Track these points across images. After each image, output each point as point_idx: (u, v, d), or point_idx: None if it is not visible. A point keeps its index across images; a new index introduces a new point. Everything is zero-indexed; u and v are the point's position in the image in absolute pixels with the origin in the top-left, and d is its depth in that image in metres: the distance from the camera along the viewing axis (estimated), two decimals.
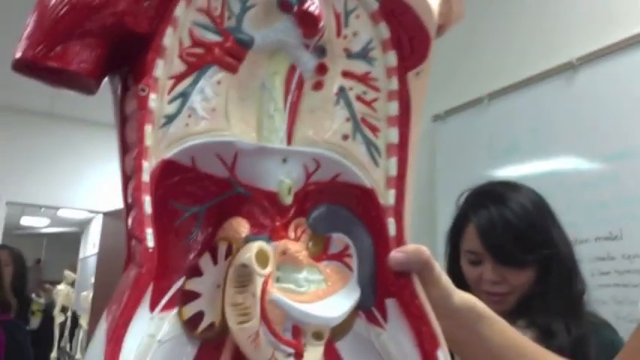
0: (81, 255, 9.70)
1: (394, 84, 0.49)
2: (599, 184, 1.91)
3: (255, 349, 0.41)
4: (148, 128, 0.43)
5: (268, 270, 0.42)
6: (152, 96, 0.43)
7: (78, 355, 7.93)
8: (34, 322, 2.78)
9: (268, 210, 0.46)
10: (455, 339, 0.56)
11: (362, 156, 0.48)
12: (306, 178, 0.48)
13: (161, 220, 0.43)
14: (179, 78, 0.44)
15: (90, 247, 8.49)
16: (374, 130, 0.49)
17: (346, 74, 0.48)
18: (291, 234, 0.47)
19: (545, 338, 1.07)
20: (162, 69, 0.43)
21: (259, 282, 0.41)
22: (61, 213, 7.89)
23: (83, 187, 5.44)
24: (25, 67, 0.43)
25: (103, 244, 5.38)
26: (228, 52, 0.45)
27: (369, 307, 0.47)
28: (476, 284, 1.17)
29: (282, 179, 0.46)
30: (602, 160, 1.91)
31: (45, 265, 9.57)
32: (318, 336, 0.44)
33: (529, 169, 2.17)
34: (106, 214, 5.30)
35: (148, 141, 0.42)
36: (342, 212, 0.49)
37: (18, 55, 0.42)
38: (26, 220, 9.34)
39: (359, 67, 0.48)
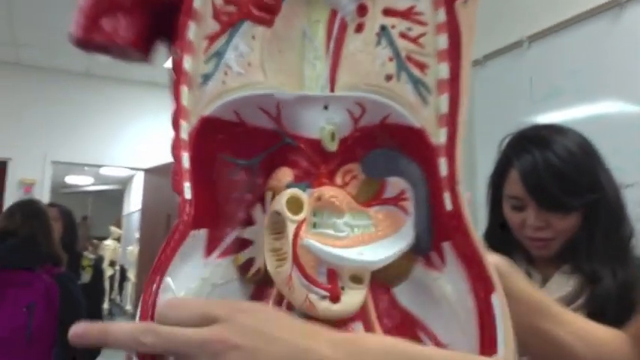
0: (125, 211, 10.01)
1: (441, 15, 0.46)
2: None
3: (290, 292, 0.43)
4: (184, 89, 0.45)
5: (301, 216, 0.43)
6: (186, 57, 0.46)
7: (128, 306, 8.30)
8: (85, 276, 2.89)
9: (312, 158, 0.46)
10: None
11: (409, 95, 0.45)
12: (354, 123, 0.46)
13: (212, 174, 0.46)
14: (213, 38, 0.46)
15: (133, 203, 8.74)
16: (422, 67, 0.46)
17: (387, 12, 0.46)
18: (338, 180, 0.46)
19: (591, 283, 1.07)
20: (195, 31, 0.46)
21: (291, 228, 0.43)
22: (103, 171, 8.11)
23: (123, 145, 5.56)
24: (79, 44, 0.47)
25: (145, 200, 5.53)
26: (261, 6, 0.46)
27: (427, 252, 0.46)
28: (519, 230, 1.16)
29: (324, 126, 0.46)
30: None
31: (91, 222, 9.91)
32: (356, 279, 0.44)
33: (571, 114, 2.11)
34: (147, 171, 5.42)
35: (185, 101, 0.45)
36: (396, 155, 0.47)
37: (71, 33, 0.46)
38: (71, 179, 9.64)
39: (402, 2, 0.46)
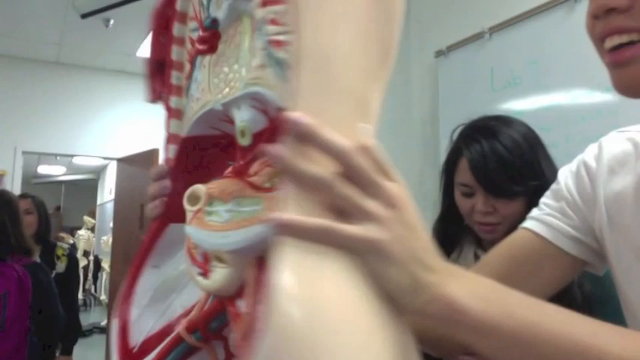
0: (99, 201, 9.92)
1: None
2: (598, 116, 1.94)
3: (190, 267, 0.53)
4: (173, 121, 0.60)
5: (196, 207, 0.51)
6: (172, 98, 0.60)
7: (102, 296, 8.27)
8: (60, 265, 2.90)
9: (235, 153, 0.52)
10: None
11: (272, 78, 0.46)
12: (266, 116, 0.49)
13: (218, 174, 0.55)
14: (187, 77, 0.59)
15: (107, 193, 8.68)
16: (282, 45, 0.45)
17: (265, 2, 0.47)
18: (251, 171, 0.50)
19: None
20: (177, 77, 0.60)
21: (188, 217, 0.52)
22: (76, 160, 8.02)
23: (96, 134, 5.53)
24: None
25: (119, 189, 5.51)
26: (202, 39, 0.56)
27: None
28: (468, 215, 1.23)
29: (237, 124, 0.51)
30: (602, 91, 1.93)
31: (65, 212, 9.80)
32: (219, 259, 0.50)
33: (529, 102, 2.20)
34: (120, 160, 5.40)
35: (172, 130, 0.61)
36: None
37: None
38: (43, 169, 9.52)
39: None
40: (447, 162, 1.30)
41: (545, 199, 0.84)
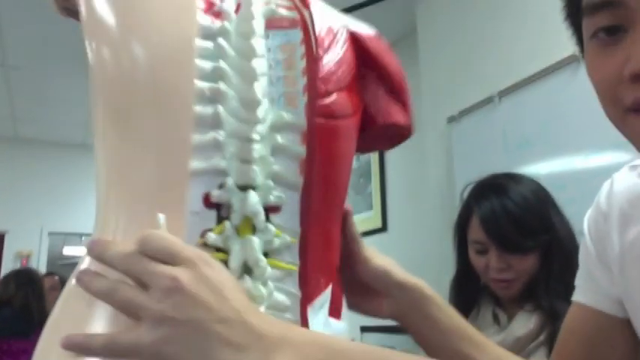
0: None
1: None
2: (612, 172, 1.93)
3: None
4: None
5: None
6: None
7: None
8: None
9: None
10: (404, 318, 0.63)
11: None
12: None
13: None
14: None
15: None
16: None
17: None
18: None
19: (551, 319, 1.12)
20: None
21: None
22: None
23: None
24: None
25: None
26: None
27: None
28: (484, 273, 1.23)
29: None
30: (615, 149, 1.94)
31: None
32: None
33: (543, 161, 2.20)
34: None
35: None
36: None
37: None
38: (68, 250, 9.62)
39: None
40: (458, 220, 1.31)
41: (580, 257, 0.80)
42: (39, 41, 3.68)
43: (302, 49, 0.55)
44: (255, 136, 0.50)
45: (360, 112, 0.62)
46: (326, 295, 0.54)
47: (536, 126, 2.24)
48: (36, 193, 5.40)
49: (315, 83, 0.54)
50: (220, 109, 0.49)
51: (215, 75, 0.50)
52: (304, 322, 0.50)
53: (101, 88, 0.50)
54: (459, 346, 0.60)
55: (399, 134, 0.69)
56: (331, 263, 0.58)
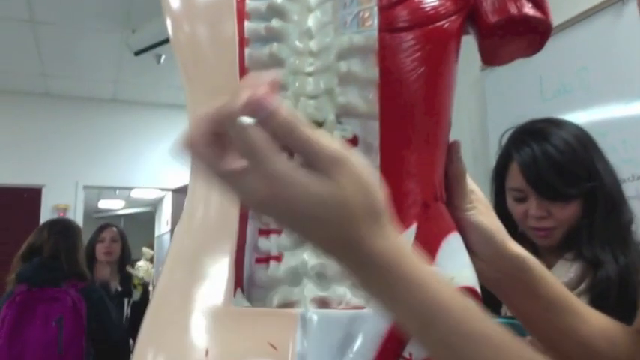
0: (156, 233, 10.17)
1: None
2: None
3: None
4: None
5: None
6: None
7: None
8: (136, 294, 3.02)
9: None
10: (502, 287, 0.58)
11: None
12: None
13: None
14: None
15: (164, 224, 8.89)
16: None
17: None
18: None
19: (593, 268, 1.10)
20: None
21: None
22: (134, 194, 8.28)
23: (151, 167, 5.71)
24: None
25: (175, 219, 5.64)
26: None
27: None
28: (522, 221, 1.20)
29: None
30: None
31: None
32: None
33: (582, 109, 2.14)
34: (175, 191, 5.54)
35: None
36: None
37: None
38: (103, 204, 9.86)
39: None
40: (497, 167, 1.27)
41: None
42: None
43: None
44: (309, 69, 0.47)
45: (461, 14, 0.52)
46: (407, 235, 0.49)
47: (575, 72, 2.17)
48: (69, 148, 5.49)
49: None
50: (275, 47, 0.47)
51: (270, 12, 0.48)
52: None
53: (178, 56, 0.52)
54: (561, 318, 0.57)
55: (533, 34, 0.57)
56: (416, 199, 0.50)
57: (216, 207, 0.48)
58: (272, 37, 0.47)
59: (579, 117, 2.10)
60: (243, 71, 0.47)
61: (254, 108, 0.36)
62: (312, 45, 0.48)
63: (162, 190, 6.48)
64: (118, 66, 4.83)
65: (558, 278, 1.12)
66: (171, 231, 5.73)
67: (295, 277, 0.43)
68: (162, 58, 4.43)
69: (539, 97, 2.33)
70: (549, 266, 1.18)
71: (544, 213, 1.15)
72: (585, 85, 2.12)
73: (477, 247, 0.57)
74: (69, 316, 2.20)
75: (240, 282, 0.45)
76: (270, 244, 0.46)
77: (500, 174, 1.25)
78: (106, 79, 5.19)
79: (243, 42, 0.47)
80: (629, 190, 1.23)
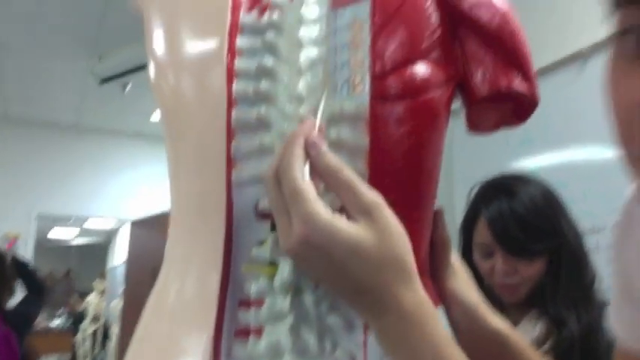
0: (109, 265, 9.89)
1: None
2: (615, 171, 1.92)
3: None
4: None
5: None
6: None
7: None
8: None
9: None
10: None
11: None
12: None
13: None
14: None
15: (117, 256, 8.66)
16: None
17: None
18: None
19: (557, 327, 1.11)
20: None
21: None
22: (88, 224, 8.06)
23: (111, 196, 5.58)
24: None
25: (132, 251, 5.49)
26: None
27: None
28: (488, 277, 1.20)
29: None
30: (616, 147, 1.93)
31: (75, 277, 9.77)
32: None
33: (545, 160, 2.19)
34: (134, 223, 5.41)
35: None
36: None
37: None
38: (55, 233, 9.56)
39: None
40: (465, 221, 1.28)
41: None
42: (29, 18, 3.60)
43: (370, 24, 0.48)
44: None
45: (450, 84, 0.52)
46: None
47: (539, 124, 2.21)
48: (25, 174, 5.32)
49: (374, 61, 0.47)
50: (263, 110, 0.46)
51: (260, 73, 0.46)
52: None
53: (159, 103, 0.50)
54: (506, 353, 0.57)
55: (518, 107, 0.58)
56: None
57: (194, 279, 0.46)
58: (261, 99, 0.46)
59: (542, 167, 2.15)
60: (229, 133, 0.45)
61: (309, 145, 0.39)
62: (303, 110, 0.46)
63: (120, 220, 6.33)
64: (82, 92, 4.75)
65: (524, 335, 1.13)
66: (128, 263, 5.59)
67: (276, 353, 0.41)
68: (129, 86, 4.38)
69: (505, 145, 2.38)
70: (515, 322, 1.18)
71: (510, 269, 1.16)
72: (548, 137, 2.19)
73: (459, 321, 0.56)
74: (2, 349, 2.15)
75: (218, 359, 0.43)
76: (250, 316, 0.44)
77: (468, 228, 1.26)
78: (68, 105, 5.10)
79: (231, 102, 0.46)
80: (590, 241, 1.25)
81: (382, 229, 0.38)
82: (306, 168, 0.39)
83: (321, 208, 0.37)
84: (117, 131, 5.62)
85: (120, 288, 7.05)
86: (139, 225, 5.26)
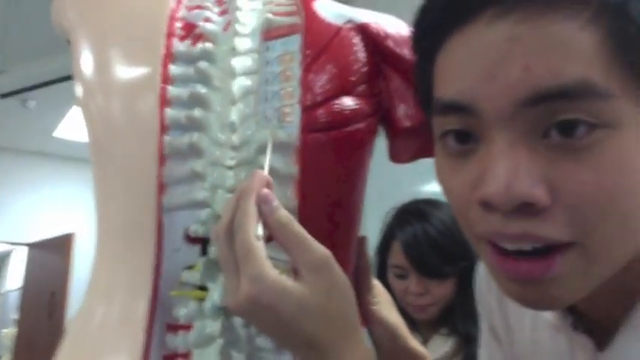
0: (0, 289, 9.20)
1: None
2: None
3: None
4: None
5: None
6: None
7: None
8: None
9: None
10: None
11: None
12: None
13: None
14: None
15: (10, 281, 8.08)
16: None
17: None
18: None
19: (465, 343, 1.17)
20: None
21: None
22: None
23: (7, 219, 5.21)
24: None
25: (30, 276, 5.16)
26: None
27: None
28: (402, 297, 1.25)
29: None
30: None
31: None
32: None
33: None
34: (32, 246, 5.09)
35: None
36: None
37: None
38: None
39: None
40: (380, 244, 1.32)
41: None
42: None
43: (300, 57, 0.50)
44: (230, 162, 0.47)
45: (375, 117, 0.54)
46: None
47: None
48: None
49: (304, 93, 0.49)
50: (195, 137, 0.46)
51: (192, 101, 0.47)
52: None
53: (87, 124, 0.50)
54: None
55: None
56: None
57: (120, 304, 0.45)
58: (193, 126, 0.46)
59: None
60: (160, 159, 0.45)
61: (261, 200, 0.41)
62: (235, 138, 0.47)
63: (14, 244, 5.92)
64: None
65: (434, 352, 1.18)
66: (24, 288, 5.22)
67: None
68: (33, 103, 4.15)
69: (414, 171, 2.47)
70: (426, 340, 1.23)
71: (423, 290, 1.21)
72: None
73: (381, 341, 0.59)
74: None
75: None
76: (178, 340, 0.44)
77: (383, 251, 1.30)
78: None
79: (163, 128, 0.46)
80: None
81: (329, 288, 0.40)
82: (259, 224, 0.41)
83: (270, 269, 0.39)
84: (16, 149, 5.28)
85: (11, 315, 6.58)
86: (37, 247, 4.96)
